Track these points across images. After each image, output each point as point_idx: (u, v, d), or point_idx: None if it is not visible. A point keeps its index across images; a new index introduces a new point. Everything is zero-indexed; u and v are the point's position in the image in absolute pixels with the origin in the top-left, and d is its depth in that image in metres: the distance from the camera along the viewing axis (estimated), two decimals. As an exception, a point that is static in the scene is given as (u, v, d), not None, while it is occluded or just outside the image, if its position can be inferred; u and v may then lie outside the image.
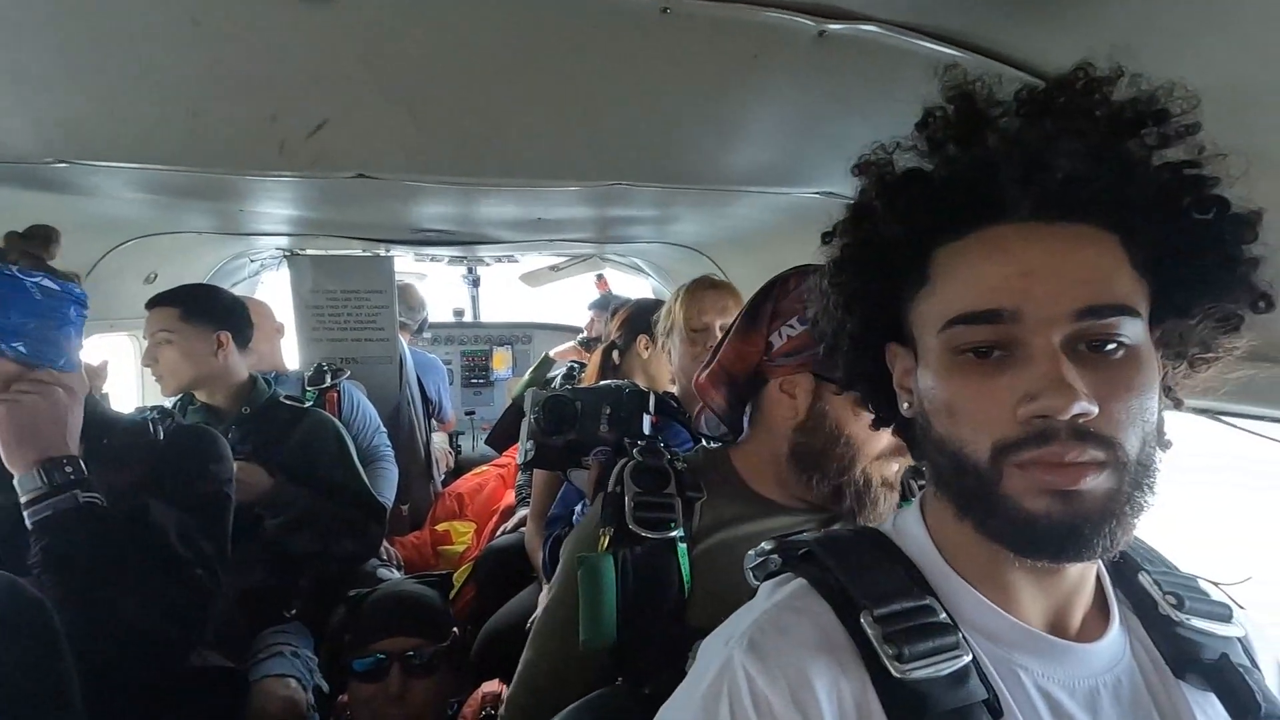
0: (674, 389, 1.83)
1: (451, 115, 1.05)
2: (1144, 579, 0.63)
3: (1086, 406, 0.48)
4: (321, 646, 1.90)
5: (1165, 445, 0.58)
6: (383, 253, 2.94)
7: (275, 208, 1.81)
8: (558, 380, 2.70)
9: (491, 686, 1.64)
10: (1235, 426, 0.91)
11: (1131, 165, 0.53)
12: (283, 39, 0.81)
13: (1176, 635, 0.59)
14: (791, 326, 1.01)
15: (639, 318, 2.29)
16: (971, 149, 0.55)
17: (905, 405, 0.63)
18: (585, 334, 3.65)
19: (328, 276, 2.92)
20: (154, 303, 1.89)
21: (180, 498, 1.38)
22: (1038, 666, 0.55)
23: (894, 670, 0.51)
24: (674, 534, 0.95)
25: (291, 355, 2.86)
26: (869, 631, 0.53)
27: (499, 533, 2.62)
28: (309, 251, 2.94)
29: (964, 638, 0.54)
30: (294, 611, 1.89)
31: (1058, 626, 0.57)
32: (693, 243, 2.57)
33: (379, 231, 2.40)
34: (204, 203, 1.74)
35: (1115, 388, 0.50)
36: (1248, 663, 0.59)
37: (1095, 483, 0.50)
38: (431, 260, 3.54)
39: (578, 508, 1.65)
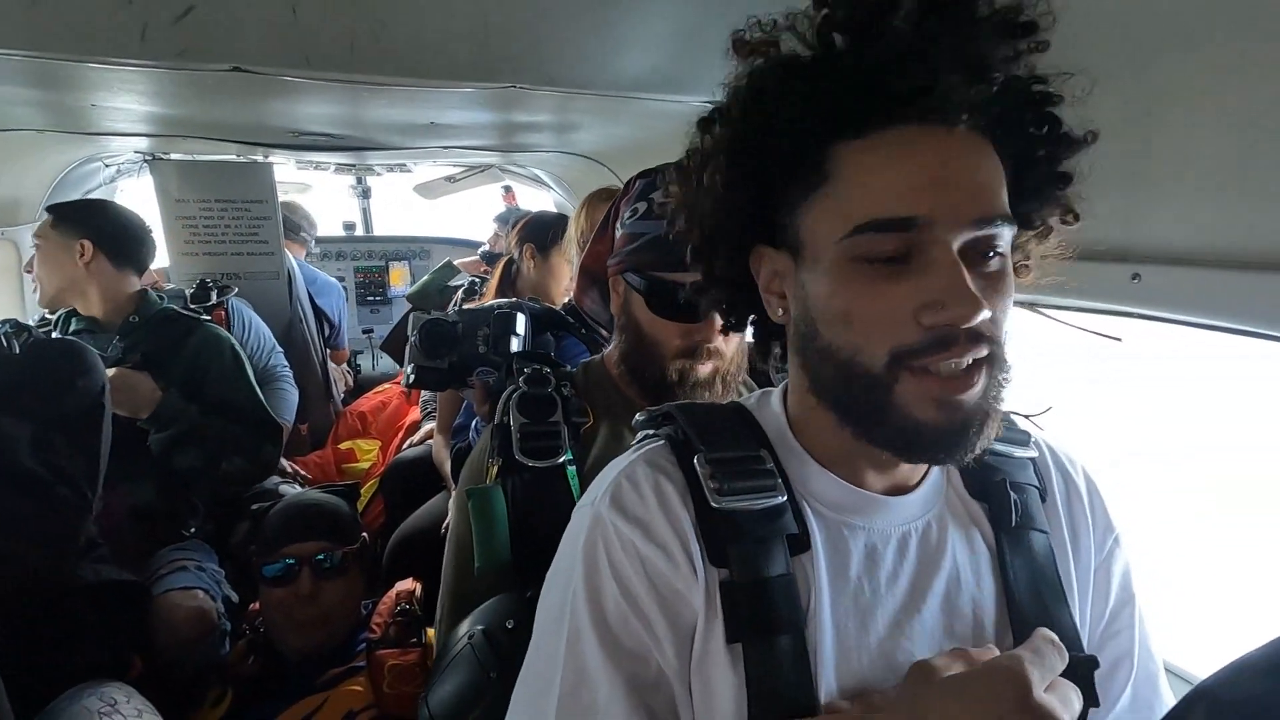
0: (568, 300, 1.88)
1: (335, 6, 0.99)
2: None
3: (987, 314, 0.51)
4: (226, 562, 1.90)
5: None
6: (260, 158, 2.73)
7: (133, 103, 1.63)
8: (460, 293, 2.68)
9: (406, 585, 1.71)
10: (1051, 318, 1.07)
11: (1007, 74, 0.53)
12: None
13: (984, 460, 0.64)
14: (618, 228, 1.02)
15: (530, 230, 2.29)
16: (883, 37, 0.51)
17: (779, 311, 0.63)
18: (488, 248, 3.58)
19: (198, 184, 2.69)
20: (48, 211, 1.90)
21: (42, 414, 1.33)
22: (862, 521, 0.62)
23: (713, 501, 0.59)
24: (562, 460, 0.97)
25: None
26: (699, 470, 0.61)
27: (405, 447, 2.64)
28: (174, 156, 2.69)
29: (782, 484, 0.61)
30: (194, 529, 1.88)
31: (896, 488, 0.63)
32: (593, 153, 2.55)
33: (254, 134, 2.22)
34: (46, 94, 1.55)
35: (995, 293, 0.53)
36: (1033, 482, 0.68)
37: (978, 384, 0.53)
38: (316, 168, 3.32)
39: (476, 420, 1.71)
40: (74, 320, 1.90)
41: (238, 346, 1.98)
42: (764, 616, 0.56)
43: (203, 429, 1.80)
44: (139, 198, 2.82)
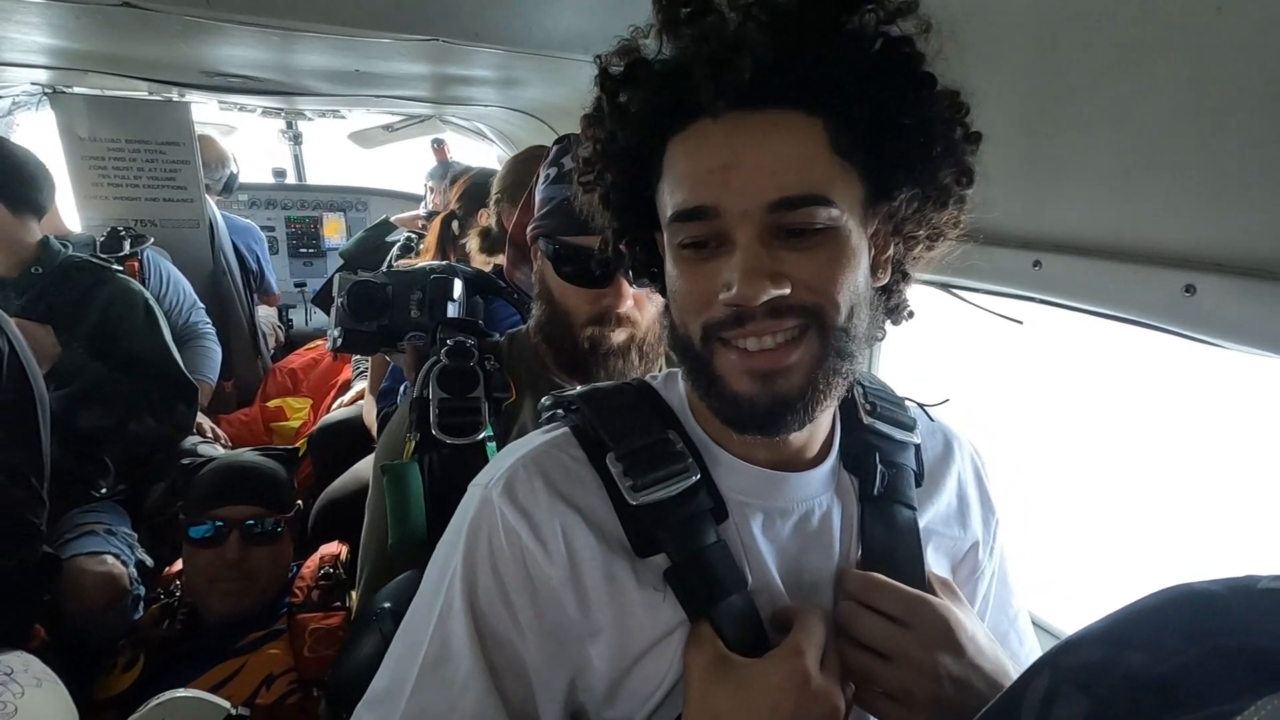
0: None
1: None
2: (856, 391, 0.71)
3: (775, 292, 0.52)
4: (141, 524, 1.83)
5: (906, 317, 0.66)
6: (176, 97, 2.55)
7: (21, 32, 1.49)
8: (395, 249, 2.59)
9: (330, 548, 1.68)
10: (961, 298, 1.11)
11: (841, 45, 0.53)
12: None
13: (863, 439, 0.68)
14: (533, 194, 1.00)
15: (479, 189, 2.22)
16: (691, 36, 0.54)
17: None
18: (427, 207, 3.46)
19: (107, 122, 2.50)
20: None
21: None
22: (761, 500, 0.63)
23: (631, 499, 0.60)
24: (481, 437, 0.95)
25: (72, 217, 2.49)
26: (612, 470, 0.61)
27: (334, 407, 2.57)
28: (79, 90, 2.48)
29: (694, 463, 0.62)
30: (104, 491, 1.80)
31: (790, 463, 0.64)
32: (535, 109, 2.47)
33: (167, 72, 2.06)
34: (-83, 18, 1.40)
35: (815, 264, 0.54)
36: (910, 465, 0.69)
37: (795, 357, 0.55)
38: (240, 110, 3.12)
39: (404, 384, 1.67)
40: None
41: (151, 300, 1.88)
42: (711, 582, 0.58)
43: (109, 387, 1.71)
44: (39, 134, 2.60)
